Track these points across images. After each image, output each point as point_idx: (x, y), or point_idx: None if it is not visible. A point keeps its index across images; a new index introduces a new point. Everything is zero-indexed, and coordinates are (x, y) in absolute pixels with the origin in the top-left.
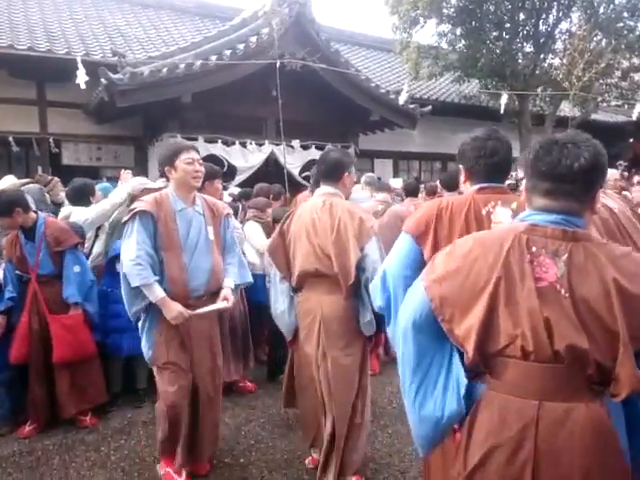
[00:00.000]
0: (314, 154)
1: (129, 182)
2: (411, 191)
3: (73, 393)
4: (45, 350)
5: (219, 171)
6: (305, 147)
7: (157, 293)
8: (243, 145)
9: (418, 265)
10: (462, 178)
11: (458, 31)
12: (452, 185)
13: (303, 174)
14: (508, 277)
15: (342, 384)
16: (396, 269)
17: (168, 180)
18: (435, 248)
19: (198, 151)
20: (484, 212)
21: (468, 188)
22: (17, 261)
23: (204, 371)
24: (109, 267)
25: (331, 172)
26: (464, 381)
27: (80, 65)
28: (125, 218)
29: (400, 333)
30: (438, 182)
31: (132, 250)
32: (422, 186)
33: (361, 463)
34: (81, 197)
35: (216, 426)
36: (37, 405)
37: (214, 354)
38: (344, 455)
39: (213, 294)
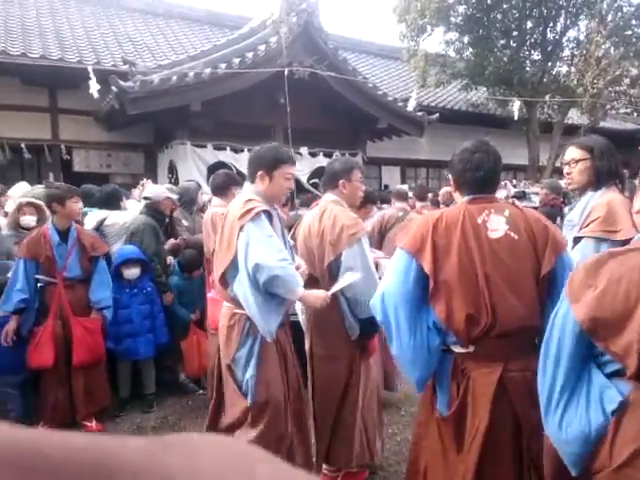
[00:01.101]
0: (322, 161)
1: (147, 188)
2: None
3: (85, 396)
4: (67, 353)
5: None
6: (313, 154)
7: (299, 289)
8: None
9: (416, 279)
10: (452, 188)
11: (465, 39)
12: (422, 196)
13: (311, 181)
14: None
15: (323, 380)
16: (394, 288)
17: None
18: (435, 259)
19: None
20: (480, 221)
21: (458, 198)
22: (45, 261)
23: (295, 393)
24: (115, 273)
25: (329, 180)
26: (610, 392)
27: (92, 75)
28: (246, 219)
29: (550, 358)
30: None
31: (275, 249)
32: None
33: (357, 461)
34: (112, 202)
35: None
36: (57, 408)
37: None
38: (331, 447)
39: None
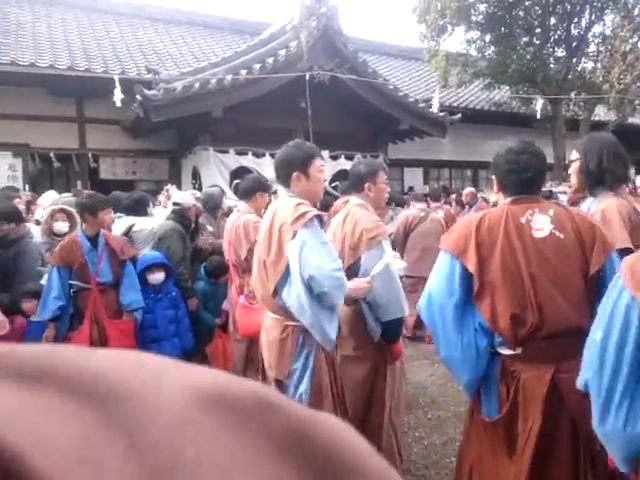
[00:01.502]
0: (343, 164)
1: (176, 194)
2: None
3: None
4: None
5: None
6: (334, 157)
7: (342, 297)
8: (273, 156)
9: (461, 279)
10: (495, 187)
11: (487, 38)
12: (437, 197)
13: (333, 184)
14: None
15: (348, 381)
16: (439, 288)
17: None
18: (479, 259)
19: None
20: (523, 220)
21: (500, 199)
22: (79, 267)
23: (340, 399)
24: (140, 279)
25: (354, 184)
26: None
27: (117, 84)
28: (298, 224)
29: (610, 352)
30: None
31: (330, 257)
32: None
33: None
34: (140, 208)
35: None
36: None
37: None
38: None
39: None
